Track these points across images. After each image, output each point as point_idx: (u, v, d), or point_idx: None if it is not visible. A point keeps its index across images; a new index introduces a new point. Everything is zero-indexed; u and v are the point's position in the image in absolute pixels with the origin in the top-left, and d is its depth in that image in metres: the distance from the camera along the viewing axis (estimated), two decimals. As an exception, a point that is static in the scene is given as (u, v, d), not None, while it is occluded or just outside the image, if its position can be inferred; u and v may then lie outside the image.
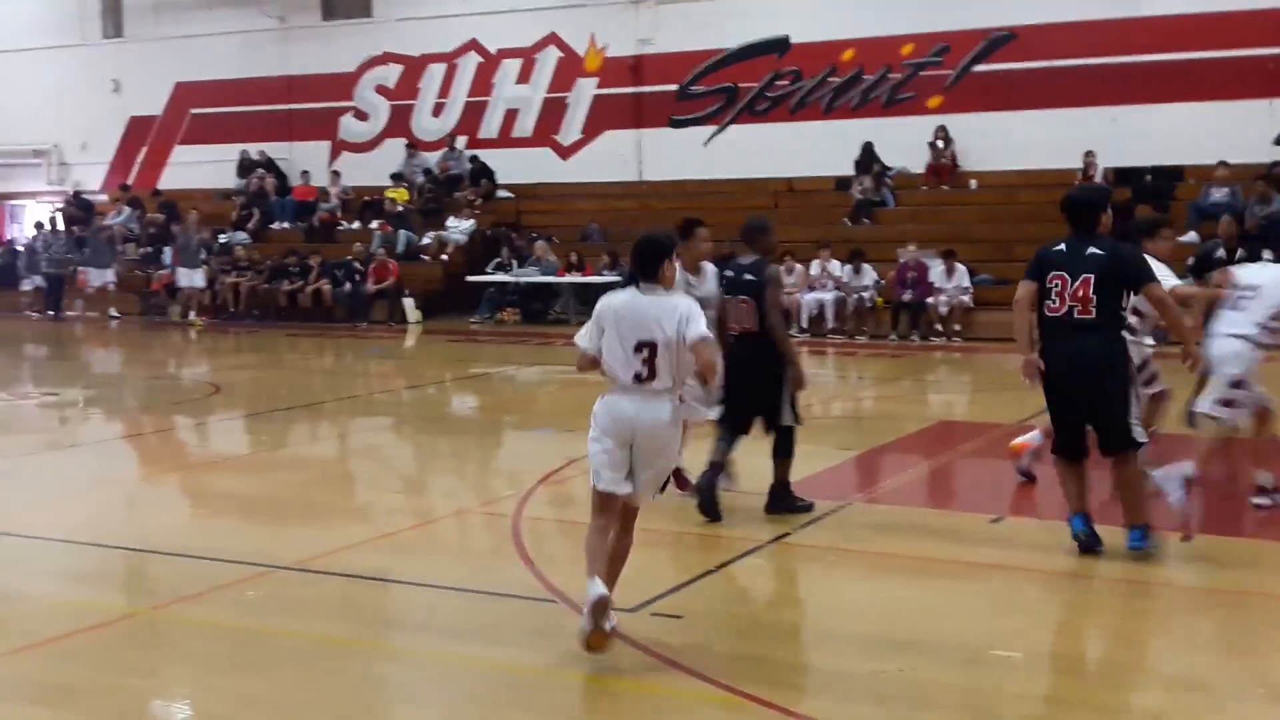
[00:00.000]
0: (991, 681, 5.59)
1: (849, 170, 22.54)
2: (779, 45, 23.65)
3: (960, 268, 19.22)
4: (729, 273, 8.15)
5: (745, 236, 8.38)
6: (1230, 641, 6.17)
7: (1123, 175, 20.62)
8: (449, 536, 8.60)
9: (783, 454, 8.16)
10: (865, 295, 19.89)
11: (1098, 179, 20.23)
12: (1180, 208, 19.70)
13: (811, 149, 22.91)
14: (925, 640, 6.10)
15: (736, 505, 8.29)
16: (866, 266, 20.03)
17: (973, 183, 21.92)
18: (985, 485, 9.83)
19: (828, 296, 19.89)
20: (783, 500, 8.20)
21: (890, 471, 10.28)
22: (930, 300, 19.18)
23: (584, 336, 5.78)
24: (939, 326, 19.23)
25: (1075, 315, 6.83)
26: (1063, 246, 7.00)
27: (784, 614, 6.82)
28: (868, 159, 22.40)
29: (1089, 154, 20.43)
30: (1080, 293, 6.82)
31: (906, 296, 19.36)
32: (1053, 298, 6.91)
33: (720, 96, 24.23)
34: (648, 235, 5.90)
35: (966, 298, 19.13)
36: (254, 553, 7.59)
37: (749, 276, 8.00)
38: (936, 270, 19.26)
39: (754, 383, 7.99)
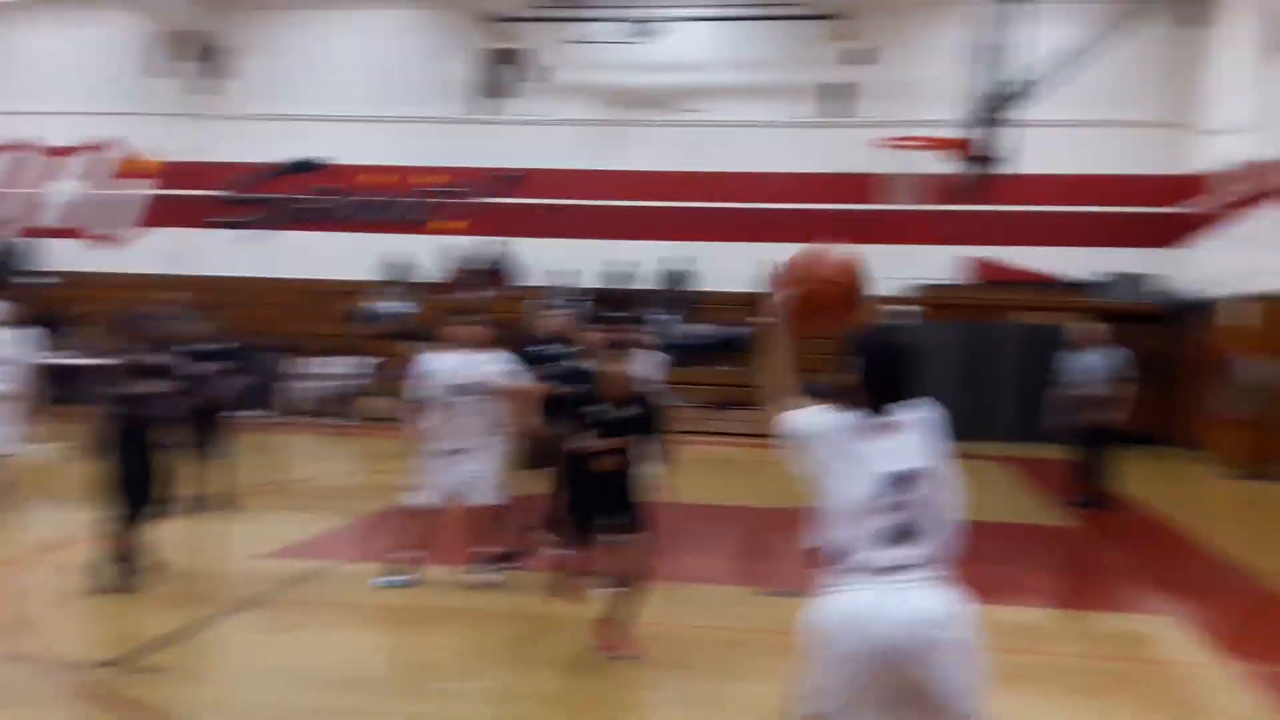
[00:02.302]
0: (433, 710, 5.71)
1: (372, 276, 22.57)
2: (315, 165, 23.51)
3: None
4: (131, 358, 7.85)
5: (140, 330, 8.06)
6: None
7: (596, 295, 21.91)
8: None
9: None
10: (353, 383, 19.94)
11: (579, 298, 21.46)
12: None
13: (341, 256, 22.82)
14: (383, 678, 6.15)
15: (235, 568, 8.03)
16: (355, 358, 20.07)
17: (478, 294, 22.51)
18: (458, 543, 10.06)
19: (321, 384, 19.76)
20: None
21: (378, 535, 10.22)
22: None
23: None
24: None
25: None
26: None
27: (262, 661, 6.61)
28: (395, 268, 22.55)
29: (567, 274, 21.62)
30: None
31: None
32: None
33: (263, 205, 23.68)
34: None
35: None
36: None
37: (157, 359, 7.83)
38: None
39: (145, 462, 7.55)
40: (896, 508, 3.32)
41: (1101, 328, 12.15)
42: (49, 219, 24.14)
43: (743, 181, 22.24)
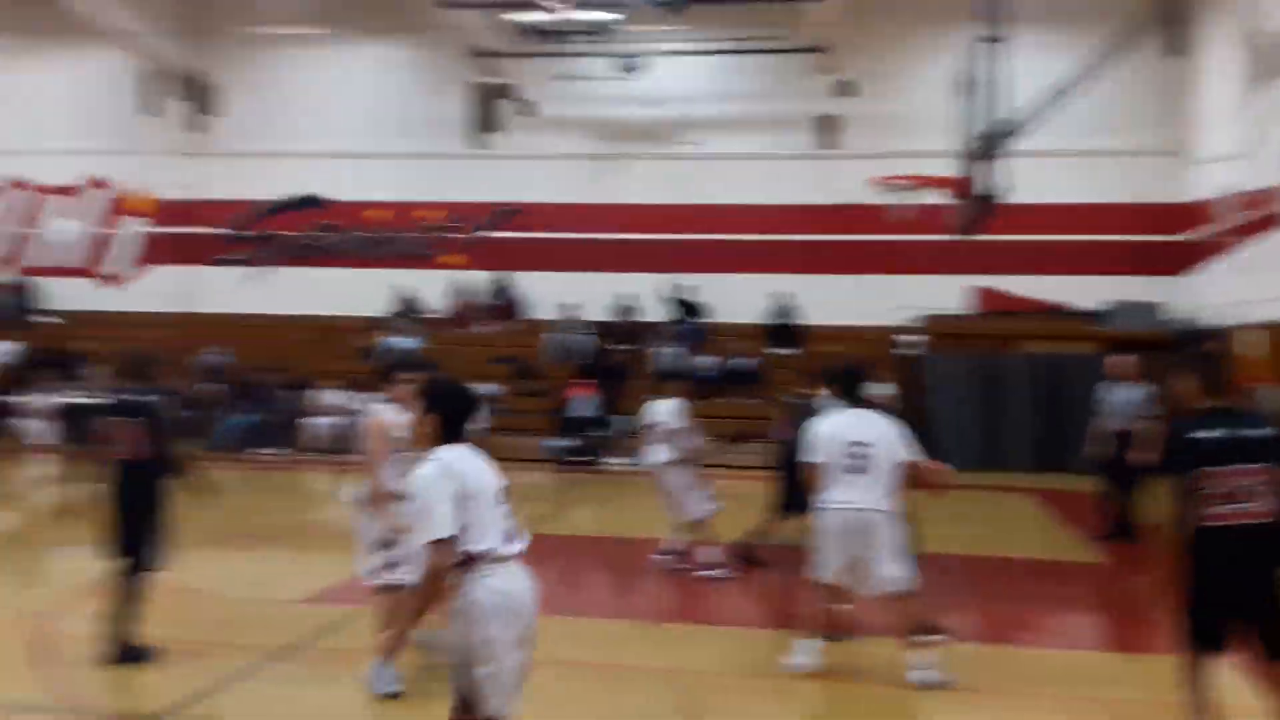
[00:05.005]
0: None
1: (380, 311, 22.43)
2: (317, 201, 23.40)
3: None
4: (123, 399, 7.22)
5: (133, 369, 7.43)
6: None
7: (599, 328, 21.85)
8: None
9: (130, 598, 7.00)
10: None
11: (581, 330, 21.44)
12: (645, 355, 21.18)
13: (348, 292, 22.68)
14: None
15: (267, 613, 7.85)
16: (366, 394, 19.77)
17: (483, 328, 22.42)
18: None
19: (331, 420, 19.33)
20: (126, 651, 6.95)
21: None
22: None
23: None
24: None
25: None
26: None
27: (298, 714, 6.39)
28: (402, 303, 22.43)
29: (569, 307, 21.59)
30: None
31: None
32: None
33: (265, 242, 23.54)
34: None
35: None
36: None
37: (142, 399, 7.16)
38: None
39: (142, 512, 7.00)
40: (507, 514, 4.34)
41: (1132, 360, 12.04)
42: (49, 258, 23.93)
43: (740, 213, 22.22)
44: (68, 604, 8.41)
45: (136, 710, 6.16)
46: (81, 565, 10.16)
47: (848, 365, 7.36)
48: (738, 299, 21.72)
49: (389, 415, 6.68)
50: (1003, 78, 16.16)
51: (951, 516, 14.24)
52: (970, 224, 17.24)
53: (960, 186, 17.14)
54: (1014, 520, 14.39)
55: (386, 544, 6.59)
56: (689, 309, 21.89)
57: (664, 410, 10.07)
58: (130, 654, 6.87)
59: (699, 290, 21.95)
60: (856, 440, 6.69)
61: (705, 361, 20.77)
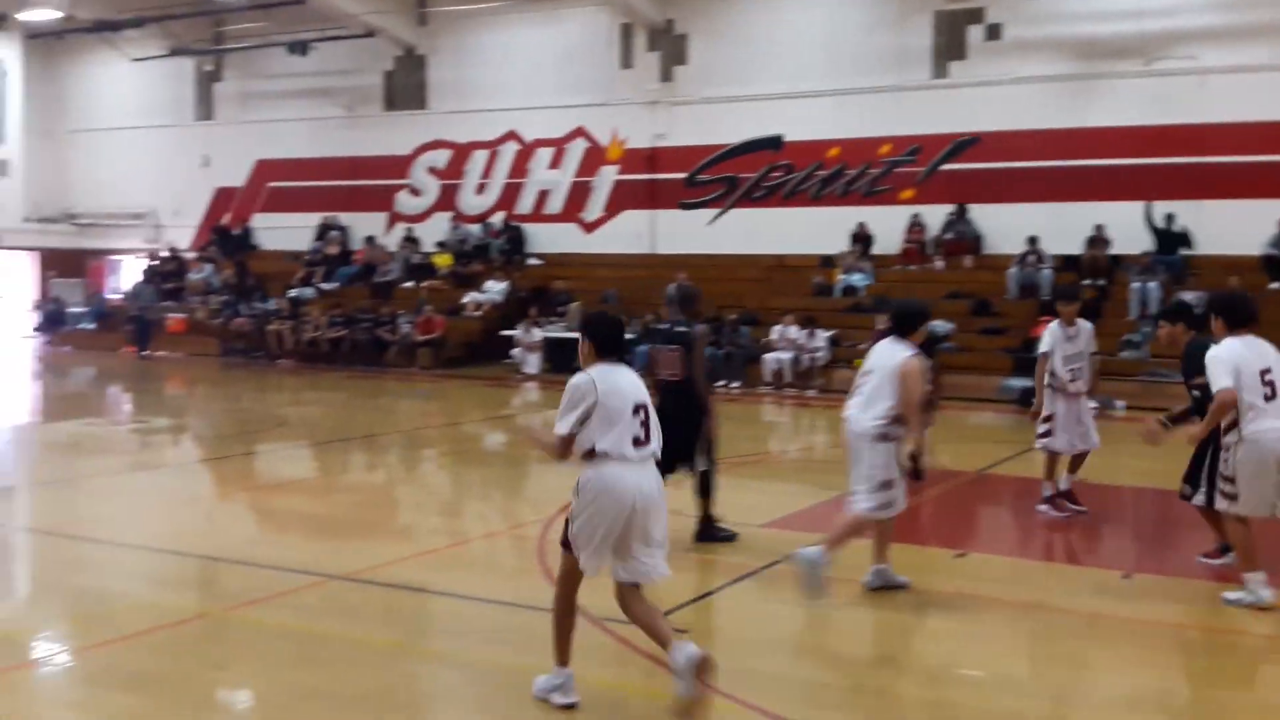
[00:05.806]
0: (956, 696, 5.51)
1: (832, 249, 22.58)
2: (773, 143, 23.83)
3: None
4: (663, 327, 8.33)
5: (679, 302, 8.44)
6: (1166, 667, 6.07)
7: (1066, 261, 20.62)
8: (480, 555, 8.54)
9: (702, 493, 8.19)
10: (818, 355, 19.86)
11: (1046, 264, 20.40)
12: (1120, 290, 19.75)
13: (801, 231, 23.02)
14: (897, 658, 6.02)
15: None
16: (819, 331, 20.03)
17: (939, 264, 21.94)
18: (950, 522, 9.78)
19: (786, 356, 19.86)
20: (708, 532, 8.20)
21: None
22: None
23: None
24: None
25: None
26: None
27: (775, 632, 6.68)
28: (855, 240, 22.47)
29: (1033, 240, 20.54)
30: None
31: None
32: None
33: (723, 184, 24.38)
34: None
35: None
36: (311, 564, 7.53)
37: (681, 329, 8.12)
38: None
39: (677, 425, 7.58)
40: (641, 422, 5.07)
41: None
42: (532, 205, 26.28)
43: (1238, 132, 19.98)
44: (553, 515, 9.28)
45: (618, 614, 6.67)
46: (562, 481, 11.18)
47: (1234, 292, 7.48)
48: (1230, 227, 19.64)
49: (920, 362, 6.89)
50: None
51: None
52: None
53: None
54: None
55: (886, 484, 6.83)
56: (1170, 239, 20.11)
57: (1046, 331, 9.41)
58: (717, 535, 8.18)
59: (1180, 218, 20.10)
60: (1264, 367, 6.57)
61: (1191, 296, 19.01)
